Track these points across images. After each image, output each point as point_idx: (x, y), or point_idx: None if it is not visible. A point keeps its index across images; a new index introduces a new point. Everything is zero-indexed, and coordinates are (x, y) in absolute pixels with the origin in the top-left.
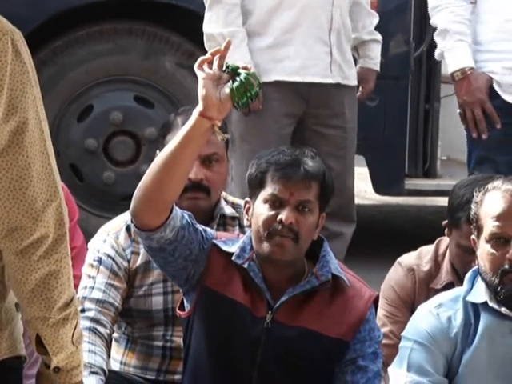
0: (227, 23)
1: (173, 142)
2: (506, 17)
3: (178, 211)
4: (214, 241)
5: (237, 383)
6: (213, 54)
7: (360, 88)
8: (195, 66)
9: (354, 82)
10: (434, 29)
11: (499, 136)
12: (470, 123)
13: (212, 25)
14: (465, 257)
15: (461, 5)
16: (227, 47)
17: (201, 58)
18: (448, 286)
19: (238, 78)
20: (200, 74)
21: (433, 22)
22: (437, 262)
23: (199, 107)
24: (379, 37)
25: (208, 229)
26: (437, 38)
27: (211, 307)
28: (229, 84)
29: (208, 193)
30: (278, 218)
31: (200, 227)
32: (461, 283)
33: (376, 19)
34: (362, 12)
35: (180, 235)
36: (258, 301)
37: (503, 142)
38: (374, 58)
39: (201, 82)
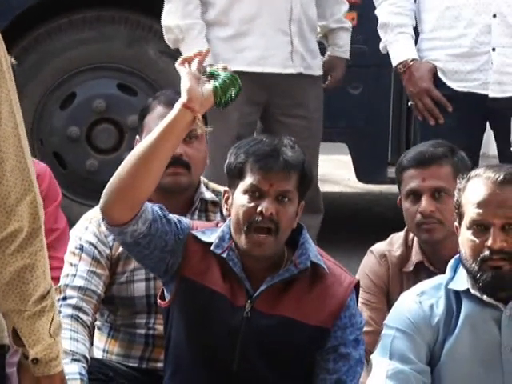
0: (184, 15)
1: (151, 134)
2: (447, 4)
3: (148, 204)
4: (192, 231)
5: (218, 373)
6: (195, 55)
7: (329, 77)
8: (177, 64)
9: (318, 72)
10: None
11: (451, 123)
12: (424, 113)
13: (170, 17)
14: (411, 208)
15: None
16: (206, 53)
17: (182, 57)
18: (418, 266)
19: (219, 78)
20: (182, 70)
21: (376, 14)
22: (407, 246)
23: (182, 99)
24: (348, 24)
25: (183, 218)
26: (379, 32)
27: (190, 297)
28: (212, 81)
29: (188, 168)
30: (258, 210)
31: (174, 218)
32: (429, 262)
33: (345, 7)
34: (330, 0)
35: (153, 228)
36: (237, 290)
37: (455, 129)
38: (342, 45)
39: (184, 77)
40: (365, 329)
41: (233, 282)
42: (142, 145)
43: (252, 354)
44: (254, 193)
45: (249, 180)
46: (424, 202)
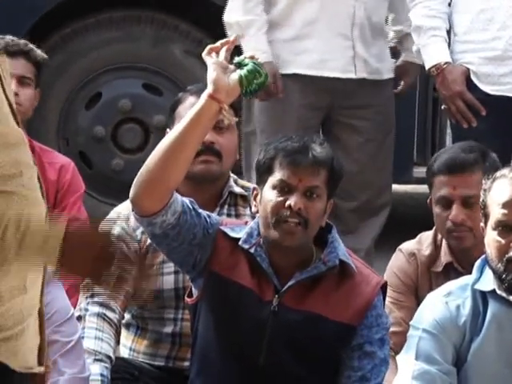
0: (245, 11)
1: (179, 125)
2: (481, 7)
3: (177, 196)
4: (221, 227)
5: (245, 367)
6: (222, 44)
7: (401, 82)
8: (204, 54)
9: (386, 75)
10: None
11: (484, 126)
12: (457, 116)
13: (231, 13)
14: (442, 214)
15: None
16: (234, 42)
17: (209, 46)
18: (447, 267)
19: (245, 67)
20: (209, 60)
21: (410, 17)
22: (436, 246)
23: (208, 89)
24: None
25: (213, 215)
26: (413, 35)
27: (218, 292)
28: (238, 70)
29: (220, 158)
30: (287, 204)
31: (203, 212)
32: (458, 263)
33: None
34: (405, 5)
35: (182, 219)
36: (265, 285)
37: (488, 132)
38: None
39: (210, 67)
40: (395, 329)
41: (261, 277)
42: (170, 135)
43: (279, 348)
44: (283, 188)
45: (278, 175)
46: (455, 210)
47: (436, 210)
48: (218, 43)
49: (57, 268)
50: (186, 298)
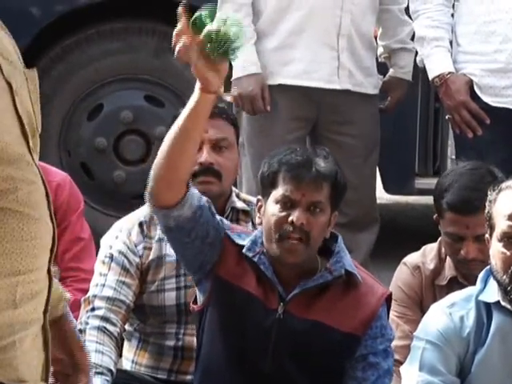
0: None
1: (180, 117)
2: (484, 19)
3: (195, 191)
4: (228, 232)
5: (250, 374)
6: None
7: (388, 98)
8: (175, 55)
9: (371, 91)
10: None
11: (488, 136)
12: (461, 125)
13: None
14: (453, 244)
15: (439, 9)
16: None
17: (176, 47)
18: (452, 281)
19: (201, 20)
20: (187, 58)
21: (413, 27)
22: (441, 259)
23: (200, 85)
24: (411, 45)
25: (224, 219)
26: (416, 45)
27: (224, 297)
28: (209, 45)
29: (219, 178)
30: (289, 219)
31: (217, 216)
32: (463, 277)
33: (409, 27)
34: (393, 20)
35: (198, 214)
36: (270, 293)
37: (491, 143)
38: (403, 66)
39: (192, 67)
40: (404, 342)
41: (266, 285)
42: (173, 129)
43: (284, 356)
44: (286, 203)
45: (281, 190)
46: (467, 247)
47: (446, 239)
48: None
49: None
50: (191, 304)
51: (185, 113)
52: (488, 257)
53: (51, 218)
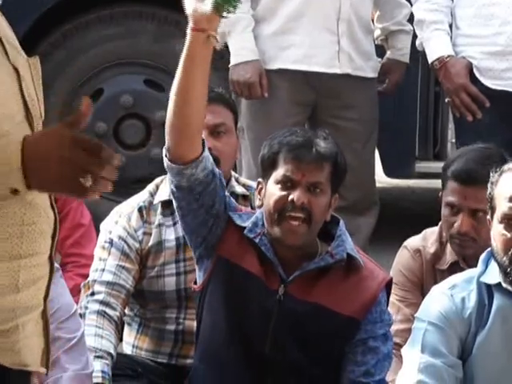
0: None
1: (178, 68)
2: (483, 2)
3: (210, 157)
4: (230, 213)
5: (250, 354)
6: None
7: (386, 80)
8: None
9: (370, 74)
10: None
11: (488, 119)
12: (461, 109)
13: None
14: (449, 218)
15: None
16: None
17: None
18: (453, 266)
19: None
20: None
21: (413, 11)
22: (441, 243)
23: (190, 24)
24: (409, 27)
25: (232, 198)
26: (415, 29)
27: (225, 276)
28: None
29: (217, 163)
30: (290, 198)
31: (226, 192)
32: (465, 263)
33: (406, 9)
34: (391, 2)
35: (209, 178)
36: (271, 274)
37: (490, 126)
38: (400, 48)
39: (186, 1)
40: (405, 326)
41: (267, 266)
42: (174, 82)
43: (284, 337)
44: (286, 183)
45: (281, 170)
46: (461, 220)
47: (444, 211)
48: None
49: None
50: (192, 284)
51: (181, 60)
52: (481, 237)
53: (51, 205)
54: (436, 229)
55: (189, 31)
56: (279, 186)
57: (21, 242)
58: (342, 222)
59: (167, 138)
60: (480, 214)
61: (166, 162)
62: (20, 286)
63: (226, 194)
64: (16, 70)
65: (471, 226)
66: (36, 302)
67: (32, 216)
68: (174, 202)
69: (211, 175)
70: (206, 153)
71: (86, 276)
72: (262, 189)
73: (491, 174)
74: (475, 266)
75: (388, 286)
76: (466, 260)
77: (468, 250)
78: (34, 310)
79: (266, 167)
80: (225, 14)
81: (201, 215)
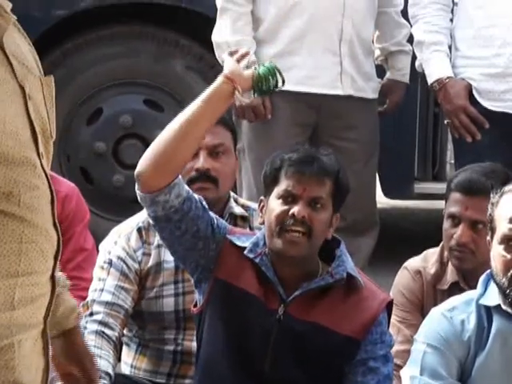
0: (234, 31)
1: (193, 104)
2: (483, 23)
3: (184, 184)
4: (228, 236)
5: (250, 374)
6: (243, 54)
7: (387, 100)
8: (224, 54)
9: (371, 95)
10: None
11: (487, 140)
12: (460, 130)
13: (220, 33)
14: (450, 230)
15: (438, 14)
16: (248, 53)
17: (230, 51)
18: (453, 286)
19: (264, 65)
20: (228, 57)
21: (412, 32)
22: (442, 264)
23: (224, 71)
24: (408, 48)
25: (221, 219)
26: (415, 50)
27: (224, 298)
28: (255, 66)
29: (216, 184)
30: (290, 212)
31: (212, 213)
32: (465, 282)
33: (406, 30)
34: (390, 22)
35: (186, 205)
36: (271, 294)
37: (490, 147)
38: (400, 69)
39: (228, 59)
40: (406, 347)
41: (266, 285)
42: (183, 113)
43: (283, 356)
44: (287, 197)
45: (283, 185)
46: (460, 230)
47: (445, 224)
48: (240, 52)
49: None
50: (192, 308)
51: (200, 98)
52: (480, 251)
53: (54, 225)
54: (437, 249)
55: (219, 77)
56: (280, 200)
57: (19, 259)
58: (343, 244)
59: (143, 164)
60: (480, 226)
61: (138, 193)
62: (15, 303)
63: (212, 215)
64: (22, 87)
65: (470, 237)
66: (35, 320)
67: (32, 234)
68: (158, 234)
69: (188, 202)
70: (179, 179)
71: (84, 298)
72: (263, 206)
73: (492, 196)
74: (475, 286)
75: (389, 307)
76: (466, 280)
77: (466, 263)
78: (32, 328)
79: (268, 184)
80: (260, 87)
81: (187, 241)
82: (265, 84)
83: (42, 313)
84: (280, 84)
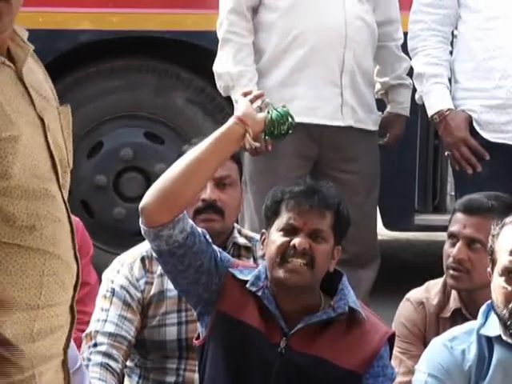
0: (236, 62)
1: (203, 143)
2: (483, 56)
3: (188, 218)
4: (230, 270)
5: None
6: (258, 94)
7: (387, 134)
8: (238, 94)
9: (372, 127)
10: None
11: (488, 172)
12: (461, 162)
13: (221, 63)
14: (448, 250)
15: (438, 47)
16: (262, 95)
17: (244, 91)
18: (456, 313)
19: (277, 110)
20: (241, 97)
21: (412, 64)
22: (445, 294)
23: (237, 113)
24: (409, 81)
25: (224, 252)
26: (415, 82)
27: (226, 331)
28: (269, 109)
29: (222, 215)
30: (292, 244)
31: (215, 247)
32: (467, 310)
33: (406, 63)
34: (391, 56)
35: (190, 240)
36: (273, 327)
37: (490, 179)
38: (401, 102)
39: (242, 100)
40: (407, 378)
41: (268, 319)
42: (191, 152)
43: None
44: (288, 230)
45: (284, 218)
46: (457, 248)
47: (445, 245)
48: (254, 93)
49: None
50: (194, 340)
51: (209, 138)
52: (476, 271)
53: (75, 255)
54: (439, 280)
55: (232, 118)
56: (281, 233)
57: (40, 292)
58: (344, 277)
59: (148, 199)
60: (478, 245)
61: (142, 227)
62: (35, 335)
63: (216, 249)
64: (41, 119)
65: (466, 255)
66: (55, 351)
67: (53, 267)
68: (161, 267)
69: (192, 237)
70: (183, 214)
71: None
72: (265, 239)
73: (492, 227)
74: (476, 313)
75: (391, 340)
76: (467, 307)
77: (462, 282)
78: (52, 359)
79: (270, 216)
80: (271, 132)
81: (190, 275)
82: (276, 129)
83: (62, 343)
84: (291, 131)
